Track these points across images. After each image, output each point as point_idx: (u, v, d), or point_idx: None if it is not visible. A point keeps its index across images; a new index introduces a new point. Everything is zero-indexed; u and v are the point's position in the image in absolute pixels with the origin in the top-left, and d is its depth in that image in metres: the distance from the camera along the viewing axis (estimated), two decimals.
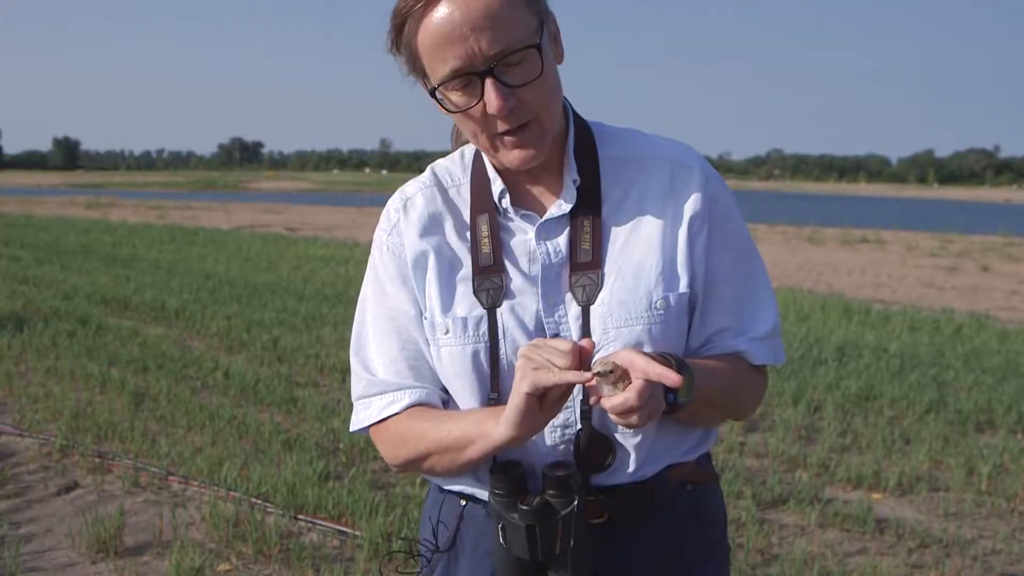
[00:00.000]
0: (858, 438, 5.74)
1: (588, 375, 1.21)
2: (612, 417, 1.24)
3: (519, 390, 1.25)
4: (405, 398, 1.46)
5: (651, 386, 1.21)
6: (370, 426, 1.50)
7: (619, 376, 1.22)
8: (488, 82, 1.31)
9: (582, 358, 1.24)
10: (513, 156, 1.37)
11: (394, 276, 1.48)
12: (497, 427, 1.30)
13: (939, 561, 4.02)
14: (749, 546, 4.06)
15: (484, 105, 1.32)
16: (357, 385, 1.51)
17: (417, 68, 1.38)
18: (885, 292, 15.10)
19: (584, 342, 1.25)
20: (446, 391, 1.48)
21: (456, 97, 1.34)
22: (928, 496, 4.82)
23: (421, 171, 1.57)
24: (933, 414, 6.24)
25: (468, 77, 1.31)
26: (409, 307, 1.47)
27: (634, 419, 1.22)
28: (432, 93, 1.36)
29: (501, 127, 1.35)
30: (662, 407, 1.27)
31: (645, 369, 1.21)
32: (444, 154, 1.59)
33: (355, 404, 1.52)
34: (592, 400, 1.26)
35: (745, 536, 4.15)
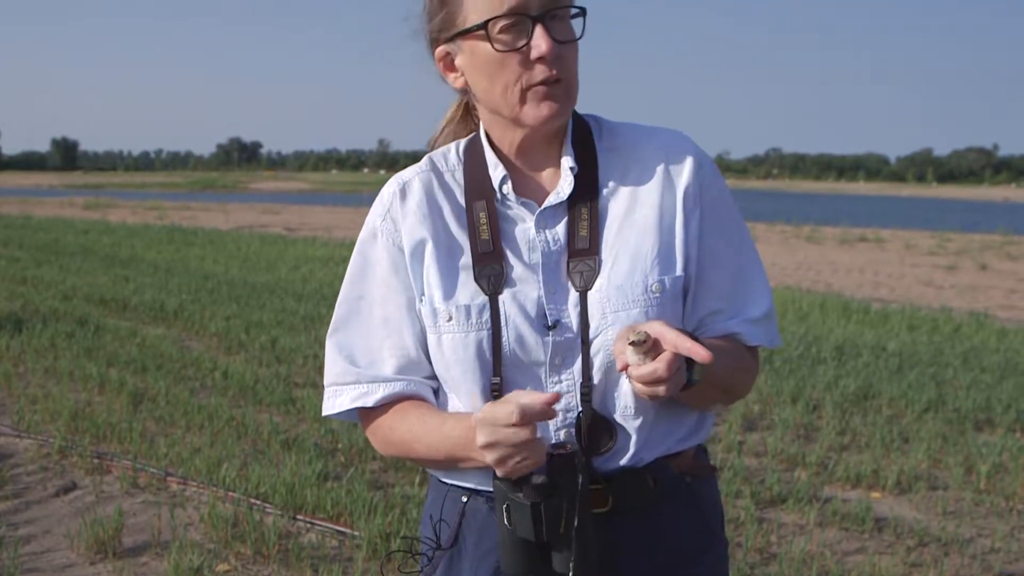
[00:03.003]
0: (857, 437, 5.74)
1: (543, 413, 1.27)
2: (636, 387, 1.27)
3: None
4: (379, 391, 1.48)
5: (679, 359, 1.25)
6: (339, 413, 1.52)
7: (650, 346, 1.24)
8: (539, 26, 1.36)
9: (532, 414, 1.27)
10: (541, 109, 1.39)
11: (384, 261, 1.49)
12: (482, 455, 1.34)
13: (938, 560, 4.02)
14: (748, 545, 4.06)
15: (529, 50, 1.36)
16: (331, 370, 1.52)
17: (452, 20, 1.41)
18: (884, 291, 15.11)
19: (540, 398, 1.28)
20: (435, 378, 1.49)
21: (502, 37, 1.37)
22: (927, 495, 4.82)
23: None
24: (932, 413, 6.24)
25: (518, 20, 1.36)
26: (397, 295, 1.47)
27: (661, 390, 1.25)
28: (483, 26, 1.37)
29: (540, 75, 1.38)
30: (684, 381, 1.30)
31: (675, 342, 1.24)
32: None
33: (326, 389, 1.53)
34: (619, 367, 1.28)
35: (744, 535, 4.15)
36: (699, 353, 1.22)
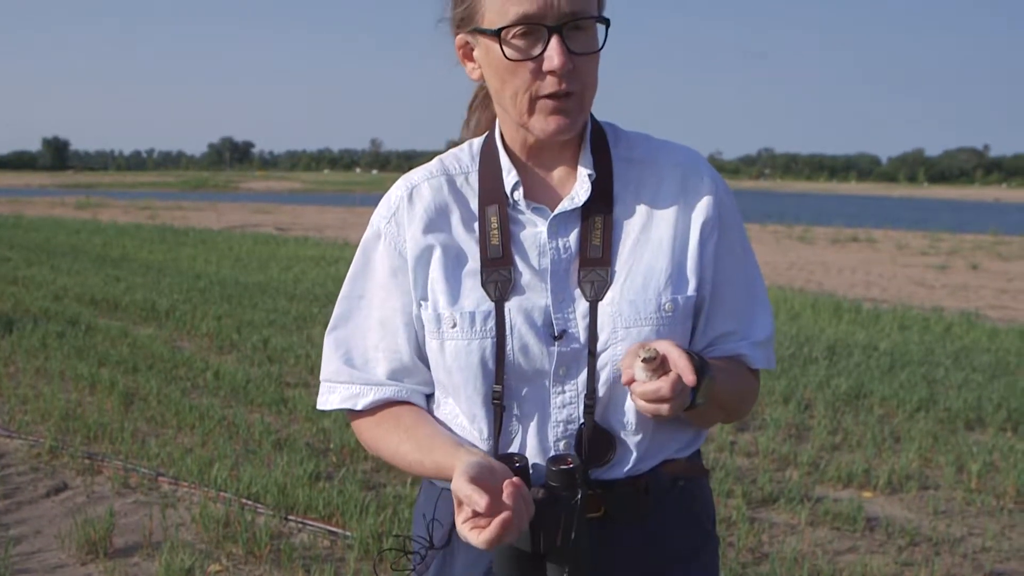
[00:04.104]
0: (848, 437, 5.75)
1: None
2: (639, 403, 1.27)
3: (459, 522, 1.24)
4: (369, 394, 1.49)
5: (682, 380, 1.24)
6: (331, 409, 1.53)
7: (658, 364, 1.24)
8: (554, 38, 1.32)
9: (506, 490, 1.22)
10: (549, 122, 1.36)
11: (384, 264, 1.48)
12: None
13: (929, 559, 4.03)
14: (740, 545, 4.07)
15: (542, 61, 1.33)
16: (327, 367, 1.53)
17: (473, 15, 1.38)
18: (875, 291, 15.13)
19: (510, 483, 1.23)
20: (427, 384, 1.49)
21: (516, 44, 1.34)
22: (918, 494, 4.83)
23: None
24: (923, 412, 6.26)
25: (535, 27, 1.32)
26: (394, 299, 1.47)
27: (664, 408, 1.25)
28: (497, 32, 1.34)
29: (550, 88, 1.34)
30: (687, 402, 1.29)
31: (676, 361, 1.24)
32: (435, 154, 1.58)
33: (322, 383, 1.55)
34: (624, 380, 1.27)
35: (736, 535, 4.15)
36: (686, 376, 1.23)
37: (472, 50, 1.43)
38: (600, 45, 1.37)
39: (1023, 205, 75.32)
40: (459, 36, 1.43)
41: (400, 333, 1.47)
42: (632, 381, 1.26)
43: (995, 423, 6.08)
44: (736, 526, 4.24)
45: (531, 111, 1.37)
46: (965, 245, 25.93)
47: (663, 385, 1.23)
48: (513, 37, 1.34)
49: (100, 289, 11.44)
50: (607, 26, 1.37)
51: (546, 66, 1.33)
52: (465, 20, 1.40)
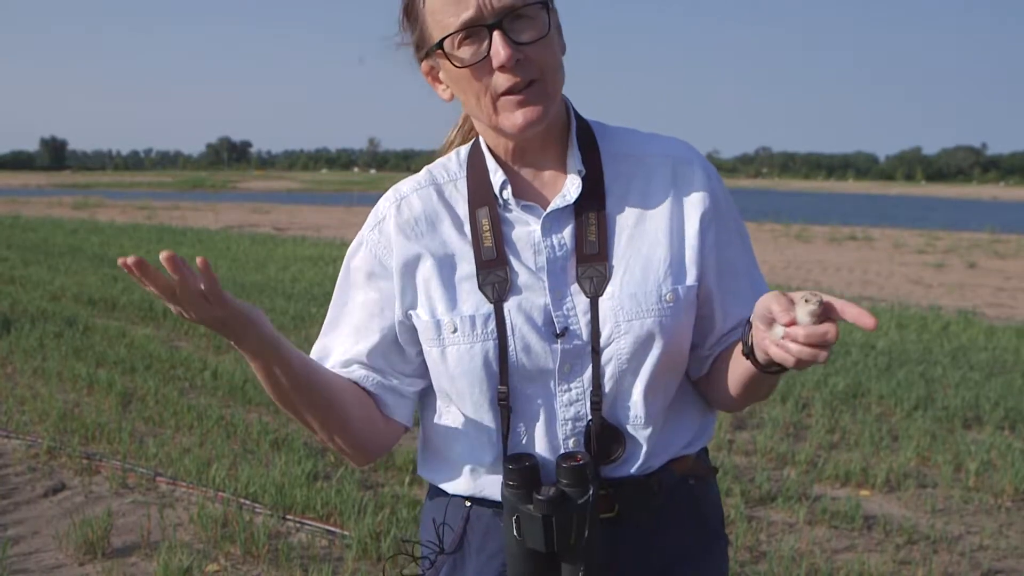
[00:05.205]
0: (846, 435, 5.76)
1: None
2: (791, 347, 1.19)
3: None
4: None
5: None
6: None
7: (820, 311, 1.20)
8: (495, 34, 1.30)
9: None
10: (516, 116, 1.34)
11: (362, 271, 1.48)
12: None
13: (927, 558, 4.04)
14: (738, 543, 4.07)
15: (490, 60, 1.32)
16: None
17: (424, 38, 1.38)
18: (873, 289, 15.14)
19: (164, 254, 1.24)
20: (397, 382, 1.48)
21: (462, 53, 1.34)
22: (916, 493, 4.83)
23: (409, 170, 1.57)
24: (921, 411, 6.27)
25: (476, 30, 1.31)
26: (371, 306, 1.47)
27: (823, 355, 1.19)
28: (440, 45, 1.34)
29: (505, 84, 1.33)
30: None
31: (843, 308, 1.17)
32: (432, 153, 1.58)
33: None
34: (784, 321, 1.19)
35: (734, 533, 4.15)
36: (866, 322, 1.15)
37: (439, 72, 1.42)
38: (547, 29, 1.33)
39: (1021, 203, 75.37)
40: (423, 63, 1.43)
41: (372, 337, 1.46)
42: (793, 323, 1.20)
43: (992, 421, 6.08)
44: (734, 525, 4.25)
45: (496, 111, 1.36)
46: (962, 243, 25.93)
47: (831, 328, 1.17)
48: (459, 46, 1.33)
49: (98, 289, 11.43)
50: (547, 8, 1.34)
51: (494, 64, 1.31)
52: (420, 45, 1.40)
